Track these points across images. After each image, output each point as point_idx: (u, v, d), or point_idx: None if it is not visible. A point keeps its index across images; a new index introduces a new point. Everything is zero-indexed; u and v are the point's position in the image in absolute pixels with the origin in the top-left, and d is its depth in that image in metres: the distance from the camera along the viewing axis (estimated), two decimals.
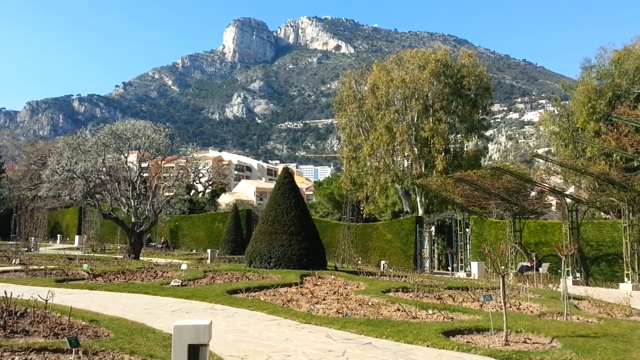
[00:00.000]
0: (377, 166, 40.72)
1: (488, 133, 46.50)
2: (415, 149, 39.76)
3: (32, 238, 35.96)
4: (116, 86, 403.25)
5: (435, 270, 30.64)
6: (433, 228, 32.40)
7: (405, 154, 40.80)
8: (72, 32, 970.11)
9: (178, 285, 14.83)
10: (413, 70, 40.22)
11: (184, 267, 19.71)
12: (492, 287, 16.17)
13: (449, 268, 29.91)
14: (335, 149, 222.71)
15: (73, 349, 5.99)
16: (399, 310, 11.51)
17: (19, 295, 10.11)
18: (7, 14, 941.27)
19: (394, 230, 31.60)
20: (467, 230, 28.50)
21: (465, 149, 41.88)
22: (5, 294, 9.18)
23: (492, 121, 46.93)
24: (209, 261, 25.73)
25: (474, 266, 25.05)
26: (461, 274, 26.62)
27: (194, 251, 35.96)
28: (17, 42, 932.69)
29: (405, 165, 41.57)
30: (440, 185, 28.37)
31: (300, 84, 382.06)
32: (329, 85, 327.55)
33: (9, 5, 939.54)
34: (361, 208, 43.69)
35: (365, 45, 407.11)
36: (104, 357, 6.81)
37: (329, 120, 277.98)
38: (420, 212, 38.30)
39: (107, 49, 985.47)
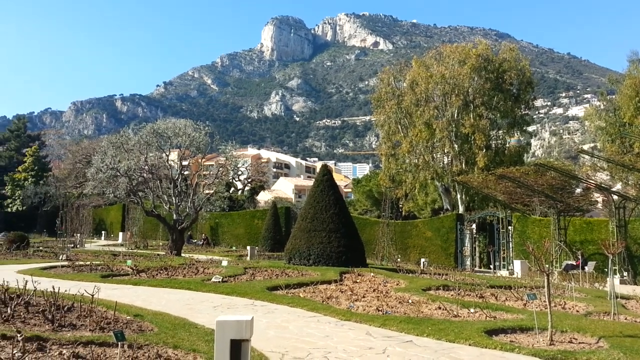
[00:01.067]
0: (416, 163, 40.29)
1: (531, 129, 45.40)
2: (456, 146, 39.15)
3: (78, 235, 37.10)
4: (157, 86, 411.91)
5: (477, 269, 30.13)
6: (474, 226, 31.86)
7: (445, 150, 40.21)
8: (114, 33, 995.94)
9: (219, 282, 15.02)
10: (453, 66, 39.58)
11: (224, 263, 19.96)
12: (536, 285, 15.87)
13: (491, 266, 29.37)
14: (373, 146, 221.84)
15: (119, 343, 6.13)
16: (440, 308, 11.39)
17: (66, 290, 10.41)
18: (52, 14, 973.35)
19: (434, 227, 31.22)
20: (509, 227, 27.91)
21: (507, 145, 41.00)
22: (53, 288, 9.48)
23: (535, 116, 45.79)
24: (248, 258, 26.00)
25: (517, 264, 24.54)
26: (503, 273, 26.11)
27: (234, 248, 36.40)
28: (61, 43, 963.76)
29: (445, 162, 40.98)
30: (482, 182, 27.87)
31: (338, 81, 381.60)
32: (367, 82, 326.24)
33: (55, 7, 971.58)
34: (400, 205, 43.34)
35: (403, 41, 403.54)
36: (148, 351, 6.94)
37: (367, 118, 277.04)
38: (461, 209, 37.72)
39: (149, 49, 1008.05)
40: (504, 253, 27.72)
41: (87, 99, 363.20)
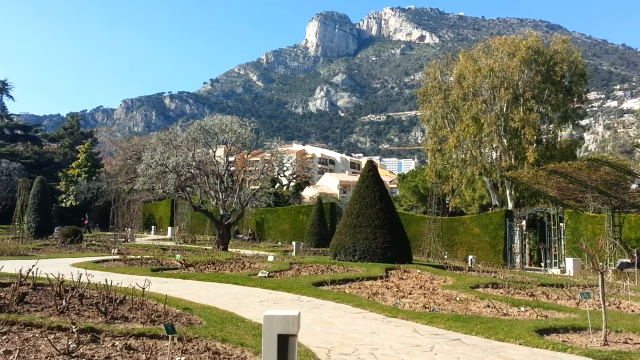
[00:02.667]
0: (463, 158, 39.56)
1: (584, 122, 43.76)
2: (505, 140, 38.21)
3: (129, 229, 38.18)
4: (204, 83, 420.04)
5: (527, 267, 29.37)
6: (524, 222, 31.04)
7: (494, 145, 39.30)
8: (163, 32, 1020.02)
9: (265, 277, 15.15)
10: (502, 59, 38.61)
11: (270, 258, 20.12)
12: (589, 284, 15.38)
13: (542, 264, 28.56)
14: (419, 141, 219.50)
15: (169, 336, 6.24)
16: (488, 306, 11.16)
17: (118, 283, 10.71)
18: (104, 14, 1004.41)
19: (482, 224, 30.59)
20: (561, 224, 27.06)
21: (558, 140, 39.71)
22: (106, 281, 9.76)
23: (588, 110, 44.11)
24: (294, 253, 26.13)
25: (569, 262, 23.77)
26: (555, 271, 25.36)
27: (279, 243, 36.68)
28: (113, 42, 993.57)
29: (493, 157, 40.08)
30: (532, 178, 27.09)
31: (383, 76, 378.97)
32: (412, 77, 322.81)
33: (108, 7, 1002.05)
34: (447, 201, 42.70)
35: (450, 34, 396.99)
36: (198, 344, 7.05)
37: (413, 112, 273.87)
38: (510, 205, 36.83)
39: (196, 47, 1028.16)
40: (555, 250, 26.90)
41: (137, 97, 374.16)
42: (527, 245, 31.96)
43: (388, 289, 13.56)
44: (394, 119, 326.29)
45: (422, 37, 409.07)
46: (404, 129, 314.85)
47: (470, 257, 25.78)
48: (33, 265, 11.29)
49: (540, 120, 38.30)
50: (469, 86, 38.85)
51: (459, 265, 21.24)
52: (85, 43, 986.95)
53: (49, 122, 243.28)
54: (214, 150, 28.59)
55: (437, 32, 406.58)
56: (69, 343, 6.38)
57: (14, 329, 7.33)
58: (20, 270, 10.89)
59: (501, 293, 13.40)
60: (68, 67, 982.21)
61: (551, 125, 39.81)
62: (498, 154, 39.80)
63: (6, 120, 69.90)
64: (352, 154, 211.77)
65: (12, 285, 10.32)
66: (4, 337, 6.94)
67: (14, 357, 5.65)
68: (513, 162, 37.78)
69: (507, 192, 38.34)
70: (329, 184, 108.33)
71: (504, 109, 38.20)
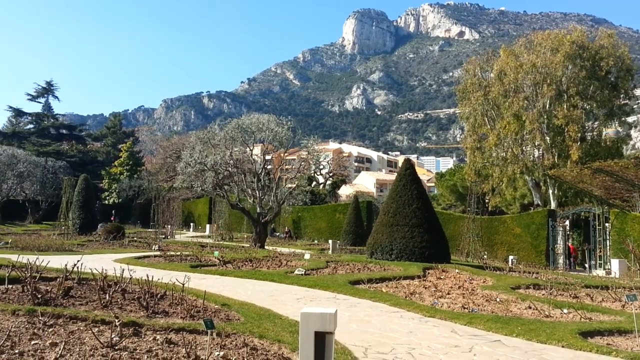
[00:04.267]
0: (504, 157, 38.76)
1: (631, 119, 42.24)
2: (547, 138, 37.26)
3: (169, 226, 38.92)
4: (241, 82, 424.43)
5: (570, 268, 28.60)
6: (567, 222, 30.21)
7: (536, 143, 38.35)
8: (201, 32, 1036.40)
9: (302, 274, 15.21)
10: (545, 54, 37.64)
11: (307, 256, 20.19)
12: (635, 286, 14.90)
13: (586, 265, 27.76)
14: (458, 139, 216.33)
15: (208, 331, 6.32)
16: (530, 308, 10.94)
17: (158, 279, 10.94)
18: (143, 15, 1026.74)
19: (524, 224, 29.92)
20: (606, 224, 26.21)
21: (603, 137, 38.47)
22: (147, 277, 9.97)
23: (635, 106, 42.50)
24: (330, 251, 26.15)
25: (615, 264, 23.00)
26: (599, 272, 24.61)
27: (316, 241, 36.77)
28: (153, 43, 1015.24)
29: (535, 156, 39.13)
30: (576, 177, 26.40)
31: (420, 73, 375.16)
32: (451, 74, 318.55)
33: (147, 8, 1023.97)
34: (486, 200, 41.97)
35: (490, 30, 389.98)
36: (236, 339, 7.13)
37: (451, 110, 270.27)
38: (553, 205, 35.90)
39: (234, 46, 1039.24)
40: (600, 251, 26.10)
41: (176, 97, 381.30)
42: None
43: (426, 288, 13.43)
44: (431, 117, 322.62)
45: (461, 33, 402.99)
46: (442, 127, 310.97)
47: (510, 257, 25.25)
48: (78, 261, 11.64)
49: (585, 117, 37.17)
50: (510, 82, 38.03)
51: (499, 266, 20.85)
52: (128, 44, 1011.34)
53: (92, 122, 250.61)
54: (251, 148, 28.85)
55: (477, 27, 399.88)
56: (112, 336, 6.54)
57: (60, 321, 7.57)
58: (66, 266, 11.24)
59: (543, 294, 13.11)
60: (111, 67, 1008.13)
61: (596, 122, 38.61)
62: (540, 152, 38.84)
63: (52, 120, 72.28)
64: (389, 153, 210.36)
65: (58, 279, 10.67)
66: (51, 329, 7.17)
67: (60, 349, 5.83)
68: (556, 160, 36.82)
69: (550, 191, 37.40)
70: (365, 183, 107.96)
71: (547, 106, 37.25)
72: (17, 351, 5.95)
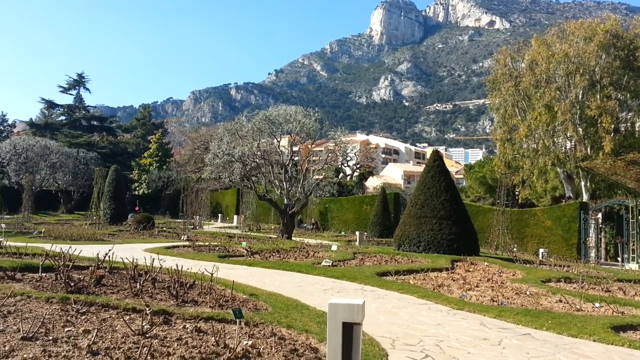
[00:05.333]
0: (534, 148, 38.03)
1: None
2: (580, 129, 36.41)
3: (197, 217, 39.38)
4: (269, 74, 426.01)
5: (602, 261, 28.00)
6: (600, 215, 29.55)
7: (568, 134, 37.53)
8: (229, 23, 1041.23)
9: (329, 266, 15.22)
10: (578, 43, 36.70)
11: (334, 248, 20.20)
12: None
13: (619, 259, 27.13)
14: (487, 130, 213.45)
15: (237, 320, 6.38)
16: (560, 301, 10.76)
17: (188, 269, 11.08)
18: (173, 9, 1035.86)
19: (554, 216, 29.39)
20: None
21: (637, 128, 37.43)
22: (177, 266, 10.11)
23: None
24: (357, 243, 26.12)
25: None
26: (633, 266, 24.05)
27: (343, 233, 36.76)
28: (182, 35, 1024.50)
29: (567, 147, 38.30)
30: (609, 169, 25.76)
31: (449, 63, 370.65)
32: (481, 64, 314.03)
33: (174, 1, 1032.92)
34: (516, 193, 41.27)
35: (522, 19, 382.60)
36: (264, 329, 7.18)
37: (481, 101, 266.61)
38: (585, 197, 35.14)
39: (261, 38, 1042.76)
40: (633, 245, 25.47)
41: (204, 88, 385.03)
42: (602, 239, 30.43)
43: (454, 281, 13.32)
44: (460, 108, 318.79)
45: (491, 23, 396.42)
46: (471, 118, 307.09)
47: (541, 250, 24.83)
48: (109, 250, 11.87)
49: (619, 108, 36.20)
50: (541, 72, 37.22)
51: (529, 259, 20.56)
52: (157, 35, 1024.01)
53: (122, 113, 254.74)
54: (279, 140, 28.92)
55: (508, 16, 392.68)
56: (143, 324, 6.65)
57: (92, 309, 7.73)
58: (98, 255, 11.48)
59: (574, 288, 12.89)
60: (141, 59, 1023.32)
61: (630, 113, 37.57)
62: (572, 144, 38.00)
63: (83, 112, 73.61)
64: (417, 144, 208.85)
65: (90, 268, 10.90)
66: (83, 317, 7.33)
67: (92, 336, 5.95)
68: (589, 151, 35.99)
69: (582, 183, 36.60)
70: (392, 174, 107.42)
71: (580, 96, 36.38)
72: (51, 338, 6.10)
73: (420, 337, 7.58)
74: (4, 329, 6.39)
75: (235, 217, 45.30)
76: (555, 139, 37.92)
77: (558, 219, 29.03)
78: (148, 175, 60.38)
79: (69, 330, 6.49)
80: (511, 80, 39.25)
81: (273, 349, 6.17)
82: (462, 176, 74.51)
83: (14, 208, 42.46)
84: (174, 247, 20.08)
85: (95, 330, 6.24)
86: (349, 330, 4.62)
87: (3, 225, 26.55)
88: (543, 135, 37.29)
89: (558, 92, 36.78)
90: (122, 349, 5.77)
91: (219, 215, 51.24)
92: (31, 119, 75.81)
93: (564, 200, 36.30)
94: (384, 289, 11.77)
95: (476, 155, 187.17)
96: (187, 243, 21.88)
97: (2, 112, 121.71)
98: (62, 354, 5.49)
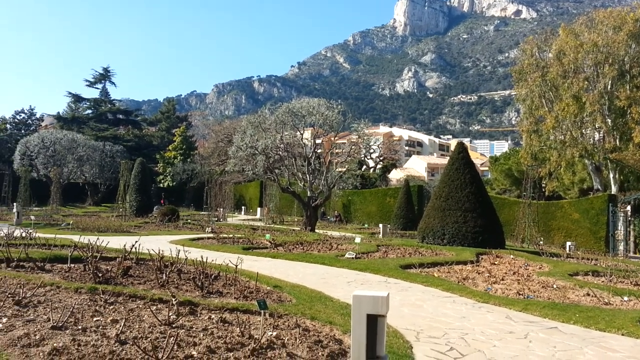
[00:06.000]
0: (562, 140, 37.39)
1: None
2: (609, 120, 35.66)
3: (221, 209, 39.69)
4: (291, 66, 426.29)
5: (631, 254, 27.43)
6: (629, 208, 28.91)
7: (596, 125, 36.80)
8: (252, 15, 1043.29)
9: (352, 258, 15.21)
10: (607, 33, 35.89)
11: (357, 240, 20.16)
12: None
13: None
14: (513, 122, 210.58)
15: (262, 311, 6.42)
16: (588, 295, 10.58)
17: (212, 260, 11.19)
18: (198, 2, 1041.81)
19: (582, 209, 28.87)
20: None
21: None
22: (202, 258, 10.21)
23: None
24: (380, 236, 26.04)
25: None
26: None
27: (366, 225, 36.69)
28: (205, 29, 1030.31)
29: (595, 139, 37.58)
30: (639, 160, 25.16)
31: (475, 54, 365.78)
32: (507, 55, 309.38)
33: None
34: (543, 185, 40.67)
35: (549, 8, 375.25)
36: (288, 320, 7.21)
37: (507, 92, 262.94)
38: (614, 189, 34.46)
39: (284, 30, 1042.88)
40: None
41: (227, 82, 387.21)
42: (632, 232, 29.79)
43: (479, 274, 13.19)
44: (485, 99, 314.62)
45: (518, 12, 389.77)
46: (496, 110, 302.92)
47: (568, 243, 24.43)
48: (136, 242, 12.05)
49: None
50: (569, 63, 36.53)
51: (556, 252, 20.24)
52: (181, 29, 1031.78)
53: (147, 107, 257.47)
54: (302, 132, 28.91)
55: (535, 6, 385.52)
56: (170, 314, 6.74)
57: (120, 299, 7.87)
58: (124, 246, 11.66)
59: (602, 281, 12.68)
60: (164, 53, 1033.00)
61: None
62: (601, 135, 37.27)
63: (109, 106, 74.63)
64: (441, 136, 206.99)
65: (118, 259, 11.08)
66: (111, 306, 7.46)
67: (120, 326, 6.05)
68: (617, 143, 35.25)
69: (611, 175, 35.90)
70: (416, 167, 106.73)
71: (609, 87, 35.61)
72: (80, 327, 6.22)
73: (445, 329, 7.53)
74: (34, 318, 6.54)
75: (258, 209, 45.52)
76: (583, 130, 37.24)
77: (586, 212, 28.52)
78: (172, 168, 61.01)
79: (97, 320, 6.61)
80: (538, 70, 38.60)
81: (297, 340, 6.20)
82: (487, 168, 73.69)
83: (43, 200, 43.38)
84: (198, 239, 20.28)
85: (123, 320, 6.34)
86: (373, 322, 4.61)
87: (32, 217, 27.20)
88: (571, 126, 36.64)
89: (586, 82, 36.08)
90: (149, 339, 5.86)
91: (243, 207, 51.56)
92: (58, 112, 77.11)
93: (591, 193, 35.64)
94: (408, 281, 11.71)
95: (501, 147, 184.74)
96: (211, 235, 22.08)
97: (31, 106, 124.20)
98: (91, 342, 5.60)
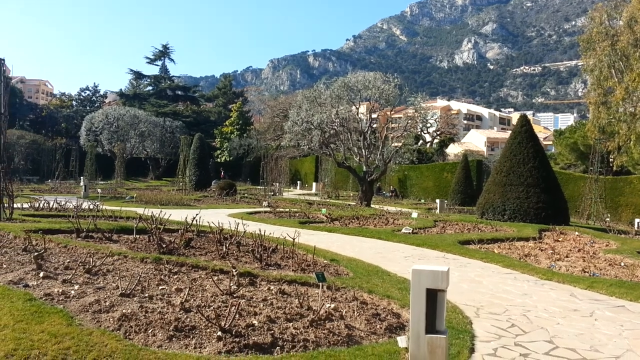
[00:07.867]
0: (632, 112, 35.40)
1: None
2: None
3: (277, 184, 40.19)
4: (347, 40, 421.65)
5: None
6: None
7: None
8: None
9: (409, 233, 15.10)
10: None
11: (414, 215, 20.00)
12: None
13: None
14: (579, 94, 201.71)
15: (320, 284, 6.48)
16: None
17: (270, 233, 11.37)
18: None
19: None
20: None
21: None
22: (260, 231, 10.39)
23: None
24: (437, 211, 25.69)
25: None
26: None
27: (422, 201, 36.26)
28: (260, 4, 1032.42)
29: None
30: None
31: (539, 23, 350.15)
32: (573, 23, 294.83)
33: None
34: (611, 160, 38.83)
35: None
36: (345, 293, 7.25)
37: (573, 62, 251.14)
38: None
39: (339, 3, 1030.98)
40: None
41: (282, 57, 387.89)
42: None
43: (542, 250, 12.82)
44: (550, 70, 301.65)
45: None
46: (561, 81, 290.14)
47: (637, 220, 23.31)
48: (196, 215, 12.39)
49: None
50: None
51: (623, 229, 19.41)
52: (236, 5, 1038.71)
53: (204, 83, 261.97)
54: (357, 107, 28.69)
55: None
56: (231, 284, 6.92)
57: (183, 269, 8.14)
58: (186, 219, 12.01)
59: None
60: (221, 29, 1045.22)
61: None
62: None
63: (169, 82, 76.47)
64: (502, 109, 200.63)
65: (180, 231, 11.45)
66: (175, 276, 7.73)
67: (184, 294, 6.27)
68: None
69: None
70: (475, 141, 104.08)
71: None
72: (147, 295, 6.48)
73: (506, 306, 7.37)
74: (104, 285, 6.86)
75: (314, 184, 45.78)
76: None
77: None
78: (229, 143, 62.06)
79: (162, 289, 6.87)
80: (607, 39, 36.51)
81: (355, 312, 6.23)
82: (550, 142, 71.02)
83: (107, 174, 45.28)
84: (255, 212, 20.64)
85: (187, 289, 6.56)
86: (433, 296, 4.57)
87: (99, 190, 28.45)
88: None
89: None
90: (212, 307, 6.05)
91: (298, 182, 51.99)
92: (121, 89, 79.82)
93: None
94: (467, 257, 11.53)
95: (567, 120, 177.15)
96: (268, 209, 22.42)
97: (95, 83, 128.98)
98: (158, 310, 5.82)
